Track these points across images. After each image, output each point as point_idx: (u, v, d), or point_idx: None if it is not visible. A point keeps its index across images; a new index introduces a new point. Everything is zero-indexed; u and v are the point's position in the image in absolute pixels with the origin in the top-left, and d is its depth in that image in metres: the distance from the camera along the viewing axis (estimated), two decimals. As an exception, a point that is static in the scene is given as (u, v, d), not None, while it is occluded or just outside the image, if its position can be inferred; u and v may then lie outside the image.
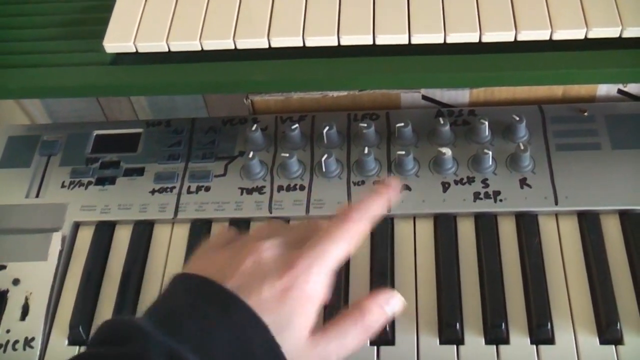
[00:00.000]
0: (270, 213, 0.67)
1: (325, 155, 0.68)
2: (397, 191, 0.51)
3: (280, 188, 0.68)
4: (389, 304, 0.49)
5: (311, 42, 0.60)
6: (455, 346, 0.58)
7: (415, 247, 0.64)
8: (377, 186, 0.53)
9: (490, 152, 0.66)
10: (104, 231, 0.69)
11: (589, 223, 0.63)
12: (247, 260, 0.47)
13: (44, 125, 0.82)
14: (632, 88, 0.72)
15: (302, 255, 0.47)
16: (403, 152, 0.67)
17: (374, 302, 0.48)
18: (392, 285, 0.62)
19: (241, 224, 0.67)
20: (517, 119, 0.68)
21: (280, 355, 0.44)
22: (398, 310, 0.50)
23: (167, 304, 0.46)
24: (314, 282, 0.46)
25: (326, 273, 0.47)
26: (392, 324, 0.59)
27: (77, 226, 0.69)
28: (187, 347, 0.42)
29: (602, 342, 0.57)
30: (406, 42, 0.59)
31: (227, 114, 0.76)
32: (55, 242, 0.67)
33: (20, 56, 0.65)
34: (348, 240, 0.48)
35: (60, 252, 0.67)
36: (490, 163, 0.67)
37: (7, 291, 0.65)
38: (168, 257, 0.67)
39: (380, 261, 0.63)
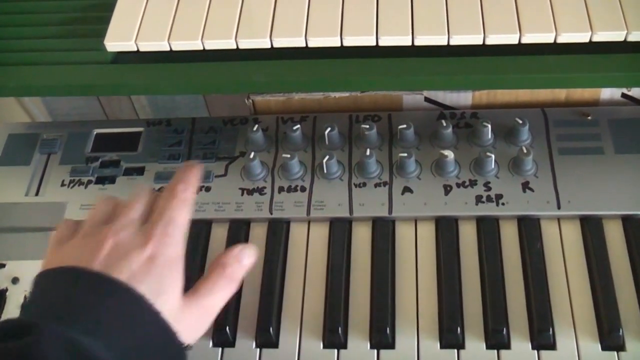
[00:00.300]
0: (271, 214, 0.66)
1: (327, 157, 0.67)
2: (198, 165, 0.58)
3: (281, 189, 0.68)
4: (244, 255, 0.54)
5: (314, 42, 0.60)
6: (455, 351, 0.58)
7: (416, 250, 0.64)
8: (184, 165, 0.58)
9: (493, 155, 0.66)
10: (104, 231, 0.68)
11: (591, 228, 0.63)
12: (106, 243, 0.50)
13: (44, 123, 0.82)
14: (636, 92, 0.71)
15: (154, 226, 0.51)
16: (405, 154, 0.67)
17: (230, 257, 0.54)
18: (393, 288, 0.61)
19: (241, 225, 0.67)
20: (520, 122, 0.68)
21: (162, 320, 0.47)
22: (252, 260, 0.55)
23: (42, 301, 0.48)
24: (173, 245, 0.51)
25: (180, 236, 0.52)
26: (393, 327, 0.59)
27: (76, 225, 0.69)
28: (77, 330, 0.44)
29: (604, 348, 0.57)
30: (409, 43, 0.59)
31: (228, 114, 0.76)
32: (54, 241, 0.67)
33: (21, 54, 0.65)
34: (185, 207, 0.54)
35: (59, 251, 0.67)
36: (493, 166, 0.67)
37: (6, 290, 0.65)
38: (167, 257, 0.66)
39: (381, 264, 0.63)
